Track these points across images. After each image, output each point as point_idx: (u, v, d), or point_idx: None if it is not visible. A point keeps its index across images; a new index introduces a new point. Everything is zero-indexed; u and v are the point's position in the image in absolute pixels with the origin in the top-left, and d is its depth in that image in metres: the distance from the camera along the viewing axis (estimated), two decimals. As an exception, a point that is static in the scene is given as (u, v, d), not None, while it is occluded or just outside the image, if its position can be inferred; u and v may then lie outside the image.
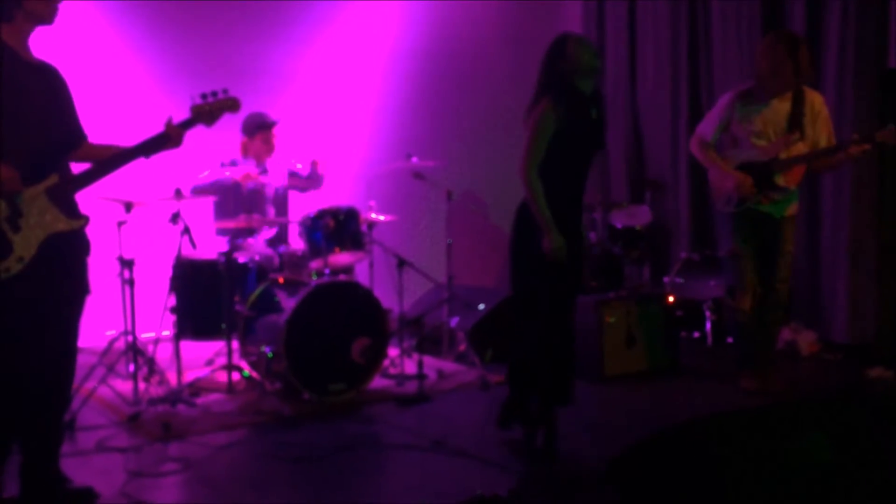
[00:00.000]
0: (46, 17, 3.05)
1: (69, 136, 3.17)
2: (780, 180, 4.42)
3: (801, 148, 4.42)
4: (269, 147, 5.38)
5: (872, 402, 2.25)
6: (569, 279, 3.68)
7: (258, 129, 5.34)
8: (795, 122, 4.40)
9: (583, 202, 3.78)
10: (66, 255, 3.08)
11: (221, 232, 5.23)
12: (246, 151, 5.39)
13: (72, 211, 3.09)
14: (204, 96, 3.31)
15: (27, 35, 3.05)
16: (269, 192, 5.41)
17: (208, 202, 5.23)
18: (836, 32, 5.42)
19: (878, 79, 5.26)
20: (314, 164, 5.57)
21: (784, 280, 4.55)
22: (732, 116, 4.52)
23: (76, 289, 3.15)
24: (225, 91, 3.34)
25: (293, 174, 5.57)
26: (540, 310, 3.66)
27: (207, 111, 3.29)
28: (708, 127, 4.63)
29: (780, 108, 4.42)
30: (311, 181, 5.60)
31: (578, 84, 3.62)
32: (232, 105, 3.34)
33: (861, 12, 5.31)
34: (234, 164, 5.32)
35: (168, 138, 3.22)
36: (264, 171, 5.36)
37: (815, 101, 4.45)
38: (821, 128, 4.44)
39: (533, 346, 3.70)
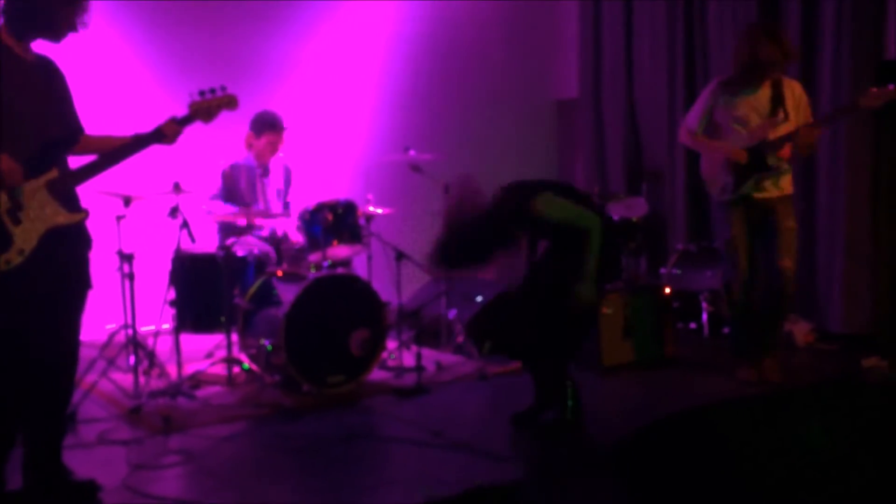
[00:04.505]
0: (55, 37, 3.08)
1: (67, 131, 3.19)
2: (772, 160, 4.47)
3: (787, 128, 4.45)
4: (272, 150, 5.33)
5: (867, 391, 2.27)
6: None
7: (266, 128, 5.28)
8: (778, 104, 4.45)
9: None
10: (67, 249, 3.10)
11: (222, 225, 5.24)
12: (249, 147, 5.34)
13: (72, 205, 3.10)
14: (202, 93, 3.31)
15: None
16: (271, 192, 5.42)
17: (208, 193, 5.26)
18: (832, 23, 5.42)
19: (876, 70, 5.26)
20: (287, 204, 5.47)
21: (789, 256, 4.46)
22: (716, 103, 4.58)
23: (78, 283, 3.17)
24: (223, 88, 3.34)
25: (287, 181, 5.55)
26: None
27: (205, 108, 3.30)
28: (693, 116, 4.71)
29: (763, 93, 4.48)
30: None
31: None
32: (230, 102, 3.34)
33: (857, 2, 5.31)
34: (234, 168, 5.30)
35: (163, 135, 3.23)
36: (266, 173, 5.33)
37: (795, 87, 4.52)
38: (803, 113, 4.50)
39: None
